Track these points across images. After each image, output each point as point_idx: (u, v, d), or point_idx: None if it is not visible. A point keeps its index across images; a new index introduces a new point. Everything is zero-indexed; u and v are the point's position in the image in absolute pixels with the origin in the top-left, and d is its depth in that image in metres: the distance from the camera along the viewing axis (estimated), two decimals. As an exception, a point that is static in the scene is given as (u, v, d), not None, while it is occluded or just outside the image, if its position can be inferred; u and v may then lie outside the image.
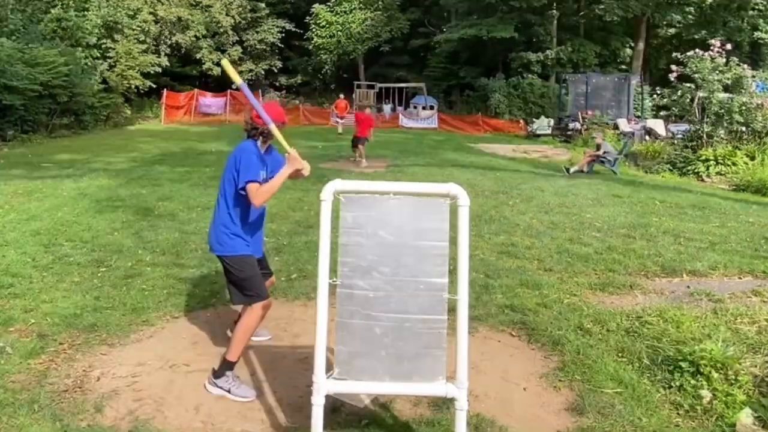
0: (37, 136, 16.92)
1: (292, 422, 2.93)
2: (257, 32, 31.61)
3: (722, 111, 13.57)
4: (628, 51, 28.03)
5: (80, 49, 20.96)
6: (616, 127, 19.44)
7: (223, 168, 3.26)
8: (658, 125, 19.04)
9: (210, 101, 26.74)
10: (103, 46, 23.62)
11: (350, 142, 13.53)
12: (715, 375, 3.21)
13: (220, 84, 29.91)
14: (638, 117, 21.73)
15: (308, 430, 2.61)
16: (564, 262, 5.61)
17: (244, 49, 31.40)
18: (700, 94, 13.91)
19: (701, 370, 3.25)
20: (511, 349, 3.82)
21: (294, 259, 5.51)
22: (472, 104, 28.08)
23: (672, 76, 14.76)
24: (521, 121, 24.54)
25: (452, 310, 2.63)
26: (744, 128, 13.73)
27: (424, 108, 26.86)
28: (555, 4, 26.54)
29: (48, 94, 17.29)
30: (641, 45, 26.36)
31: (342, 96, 24.88)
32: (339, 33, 30.83)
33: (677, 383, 3.26)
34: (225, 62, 3.23)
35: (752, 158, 12.71)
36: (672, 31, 27.80)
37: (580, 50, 26.67)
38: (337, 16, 31.09)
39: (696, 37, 24.09)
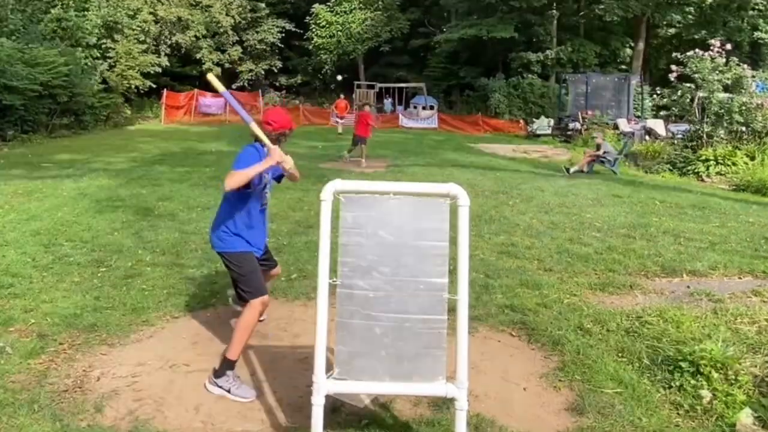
0: (37, 136, 16.92)
1: (292, 422, 2.93)
2: (257, 32, 31.63)
3: (722, 111, 13.57)
4: (628, 51, 28.06)
5: (80, 49, 20.97)
6: (616, 127, 19.45)
7: (223, 168, 3.27)
8: (658, 125, 19.04)
9: (210, 101, 26.72)
10: (103, 46, 23.63)
11: (350, 142, 13.52)
12: (715, 375, 3.21)
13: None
14: (638, 117, 21.74)
15: (308, 430, 2.61)
16: (564, 262, 5.61)
17: (244, 49, 31.41)
18: (700, 94, 13.91)
19: (701, 370, 3.24)
20: (511, 349, 3.82)
21: (294, 259, 5.51)
22: (472, 104, 28.11)
23: (672, 76, 14.76)
24: (521, 121, 24.55)
25: (452, 310, 2.63)
26: (744, 128, 13.73)
27: (424, 108, 26.88)
28: (555, 4, 26.56)
29: (48, 94, 17.29)
30: (641, 45, 26.37)
31: (342, 96, 24.90)
32: (339, 33, 30.84)
33: (677, 383, 3.26)
34: (210, 76, 3.33)
35: (752, 158, 12.70)
36: (672, 31, 27.82)
37: (580, 50, 26.69)
38: (337, 16, 31.11)
39: (696, 37, 24.12)
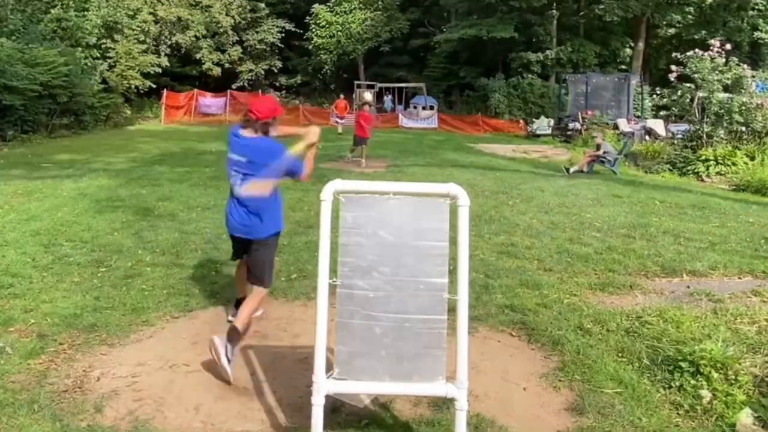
0: (37, 136, 16.91)
1: (292, 422, 2.93)
2: (257, 32, 31.61)
3: (722, 111, 13.58)
4: (628, 51, 28.05)
5: (80, 49, 20.95)
6: (616, 127, 19.43)
7: (222, 168, 3.28)
8: (658, 125, 19.04)
9: (210, 101, 26.73)
10: (103, 46, 23.61)
11: (351, 143, 13.53)
12: (715, 375, 3.21)
13: (219, 84, 29.94)
14: (638, 117, 21.73)
15: (308, 430, 2.61)
16: (564, 262, 5.61)
17: (244, 49, 31.40)
18: (700, 94, 13.91)
19: (701, 370, 3.25)
20: (511, 349, 3.82)
21: (294, 259, 5.51)
22: (472, 104, 28.11)
23: (672, 76, 14.75)
24: (521, 121, 24.55)
25: (452, 310, 2.63)
26: (744, 128, 13.73)
27: (424, 108, 26.87)
28: (555, 4, 26.56)
29: (48, 94, 17.28)
30: (641, 45, 26.38)
31: (342, 96, 24.89)
32: (339, 33, 30.83)
33: (677, 383, 3.26)
34: None
35: (752, 158, 12.70)
36: (672, 31, 27.82)
37: (580, 50, 26.69)
38: (337, 16, 31.10)
39: (696, 37, 24.12)
